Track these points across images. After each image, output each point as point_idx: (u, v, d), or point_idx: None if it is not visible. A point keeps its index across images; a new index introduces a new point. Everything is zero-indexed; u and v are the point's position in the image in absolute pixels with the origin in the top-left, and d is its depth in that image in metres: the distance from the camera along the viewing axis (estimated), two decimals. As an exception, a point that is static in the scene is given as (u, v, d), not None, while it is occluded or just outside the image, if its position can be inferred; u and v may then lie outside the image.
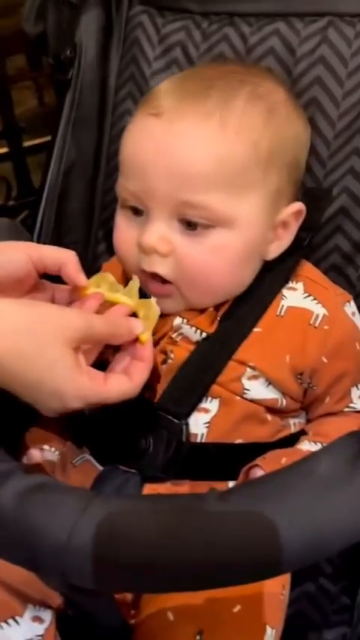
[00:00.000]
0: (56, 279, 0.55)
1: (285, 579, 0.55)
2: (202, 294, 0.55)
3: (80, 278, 0.53)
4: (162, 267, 0.54)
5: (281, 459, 0.54)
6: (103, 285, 0.55)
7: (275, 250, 0.57)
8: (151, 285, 0.56)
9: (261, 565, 0.35)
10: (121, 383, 0.50)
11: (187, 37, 0.69)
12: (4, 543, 0.37)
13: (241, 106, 0.53)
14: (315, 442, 0.56)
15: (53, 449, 0.60)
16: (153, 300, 0.55)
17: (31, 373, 0.45)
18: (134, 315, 0.54)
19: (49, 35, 0.69)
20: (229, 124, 0.52)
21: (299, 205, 0.57)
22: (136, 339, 0.53)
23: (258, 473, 0.52)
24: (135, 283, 0.55)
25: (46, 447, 0.60)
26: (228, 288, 0.56)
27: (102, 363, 0.53)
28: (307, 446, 0.56)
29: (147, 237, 0.53)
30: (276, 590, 0.53)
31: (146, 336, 0.53)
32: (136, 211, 0.55)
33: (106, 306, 0.54)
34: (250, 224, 0.53)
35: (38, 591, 0.53)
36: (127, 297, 0.54)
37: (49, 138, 0.75)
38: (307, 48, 0.64)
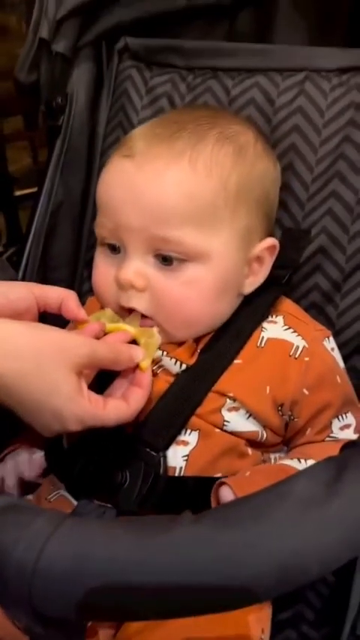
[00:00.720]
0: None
1: (265, 622, 0.53)
2: (181, 327, 0.56)
3: (81, 312, 0.55)
4: (139, 302, 0.55)
5: (246, 472, 0.53)
6: (103, 319, 0.56)
7: (251, 285, 0.58)
8: None
9: (236, 590, 0.34)
10: (119, 408, 0.51)
11: (173, 88, 0.73)
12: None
13: (210, 146, 0.55)
14: (292, 459, 0.56)
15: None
16: (155, 328, 0.55)
17: (33, 394, 0.46)
18: (135, 343, 0.55)
19: (42, 84, 0.72)
20: (199, 163, 0.54)
21: (272, 241, 0.58)
22: (136, 366, 0.54)
23: (225, 491, 0.51)
24: (137, 315, 0.56)
25: (36, 449, 0.60)
26: (205, 321, 0.57)
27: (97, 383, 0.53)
28: (286, 461, 0.56)
29: (124, 273, 0.54)
30: (255, 633, 0.51)
31: (146, 364, 0.54)
32: (114, 249, 0.57)
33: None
34: (222, 258, 0.55)
35: (9, 634, 0.51)
36: (128, 326, 0.55)
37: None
38: (286, 99, 0.67)
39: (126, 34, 0.76)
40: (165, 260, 0.54)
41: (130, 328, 0.55)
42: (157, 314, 0.55)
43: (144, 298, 0.55)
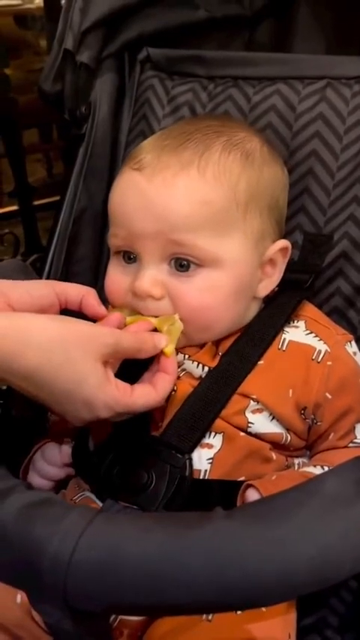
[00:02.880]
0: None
1: (291, 627, 0.53)
2: (200, 330, 0.57)
3: (101, 308, 0.56)
4: (157, 310, 0.55)
5: (272, 476, 0.53)
6: (122, 313, 0.56)
7: (265, 288, 0.59)
8: None
9: (268, 585, 0.34)
10: (147, 393, 0.52)
11: (194, 97, 0.74)
12: (2, 560, 0.36)
13: (217, 154, 0.56)
14: (315, 466, 0.56)
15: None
16: (176, 315, 0.56)
17: (63, 385, 0.47)
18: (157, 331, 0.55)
19: (66, 94, 0.74)
20: (208, 170, 0.55)
21: (284, 242, 0.59)
22: (161, 353, 0.54)
23: (252, 493, 0.52)
24: None
25: (67, 439, 0.61)
26: (223, 324, 0.57)
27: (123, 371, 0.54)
28: (308, 469, 0.56)
29: (140, 283, 0.55)
30: (282, 636, 0.50)
31: (170, 349, 0.54)
32: (129, 258, 0.57)
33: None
34: (236, 263, 0.55)
35: (32, 635, 0.52)
36: (148, 317, 0.56)
37: (56, 198, 0.78)
38: (307, 105, 0.68)
39: (148, 45, 0.78)
40: (181, 266, 0.55)
41: (150, 318, 0.56)
42: None
43: (162, 305, 0.55)
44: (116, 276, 0.58)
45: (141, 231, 0.54)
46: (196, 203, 0.54)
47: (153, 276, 0.55)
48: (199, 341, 0.58)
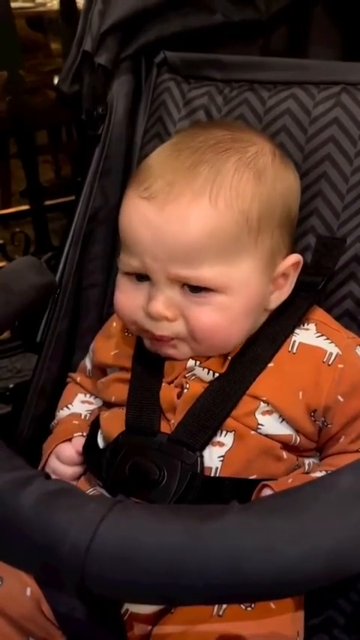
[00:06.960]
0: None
1: (299, 625, 0.53)
2: (212, 349, 0.57)
3: None
4: (170, 330, 0.56)
5: (288, 479, 0.54)
6: None
7: (276, 299, 0.59)
8: (156, 342, 0.57)
9: (284, 577, 0.34)
10: None
11: (210, 101, 0.75)
12: (21, 546, 0.36)
13: (229, 177, 0.54)
14: (326, 471, 0.56)
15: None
16: None
17: None
18: None
19: (84, 95, 0.75)
20: (220, 198, 0.53)
21: (296, 257, 0.59)
22: None
23: (268, 493, 0.52)
24: None
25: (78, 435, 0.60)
26: (235, 340, 0.58)
27: None
28: (320, 474, 0.56)
29: (154, 306, 0.54)
30: (291, 634, 0.51)
31: None
32: (141, 277, 0.57)
33: None
34: (248, 286, 0.55)
35: (41, 628, 0.52)
36: None
37: (63, 199, 0.78)
38: (322, 110, 0.69)
39: (164, 48, 0.78)
40: (194, 290, 0.54)
41: None
42: (189, 338, 0.56)
43: (175, 326, 0.55)
44: (127, 293, 0.57)
45: (152, 261, 0.54)
46: (207, 235, 0.53)
47: (166, 298, 0.55)
48: (208, 354, 0.58)
